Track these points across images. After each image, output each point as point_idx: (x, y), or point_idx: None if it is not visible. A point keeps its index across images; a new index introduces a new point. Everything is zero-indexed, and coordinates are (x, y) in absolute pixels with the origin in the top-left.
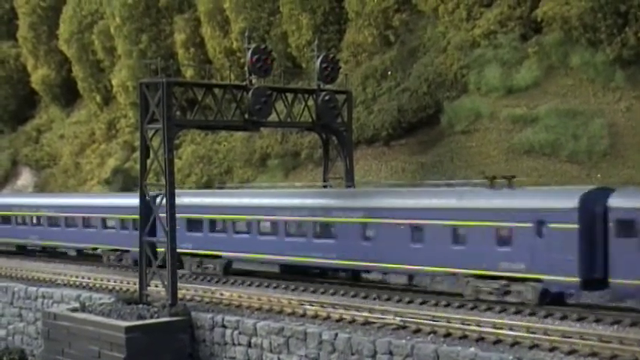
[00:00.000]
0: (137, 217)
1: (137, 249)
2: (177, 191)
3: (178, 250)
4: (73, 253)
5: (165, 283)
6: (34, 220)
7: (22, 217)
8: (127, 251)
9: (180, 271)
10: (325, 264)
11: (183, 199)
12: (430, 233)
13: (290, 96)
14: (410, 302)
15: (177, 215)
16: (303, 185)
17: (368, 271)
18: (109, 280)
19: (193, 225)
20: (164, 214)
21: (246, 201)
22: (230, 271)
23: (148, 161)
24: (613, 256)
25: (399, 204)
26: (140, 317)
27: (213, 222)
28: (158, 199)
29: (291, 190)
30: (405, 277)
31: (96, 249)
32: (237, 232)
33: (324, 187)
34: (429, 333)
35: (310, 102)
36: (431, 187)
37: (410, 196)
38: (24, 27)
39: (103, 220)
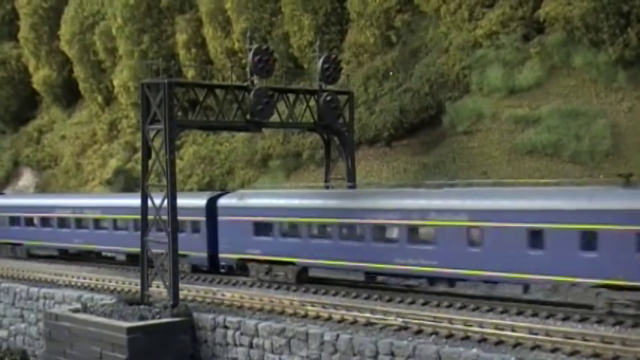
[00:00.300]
0: (196, 218)
1: (197, 253)
2: (241, 192)
3: (244, 256)
4: (122, 257)
5: (167, 283)
6: (78, 223)
7: (64, 220)
8: (184, 256)
9: (245, 279)
10: (421, 272)
11: (248, 201)
12: (552, 238)
13: (292, 96)
14: (412, 303)
15: (244, 218)
16: (392, 185)
17: (466, 280)
18: (110, 281)
19: (262, 229)
20: (227, 217)
21: (326, 202)
22: (304, 279)
23: (150, 162)
24: None
25: (513, 205)
26: (142, 318)
27: (285, 225)
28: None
29: (378, 191)
30: (520, 287)
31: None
32: (315, 237)
33: (326, 187)
34: (431, 334)
35: (312, 102)
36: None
37: (527, 196)
38: (25, 28)
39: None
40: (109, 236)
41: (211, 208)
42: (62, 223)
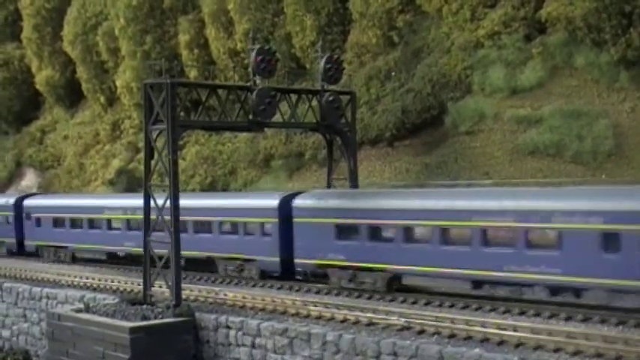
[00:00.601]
0: (267, 220)
1: (267, 258)
2: (318, 191)
3: (325, 262)
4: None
5: (170, 283)
6: (130, 225)
7: (114, 221)
8: (252, 260)
9: (323, 286)
10: (542, 280)
11: (330, 202)
12: None
13: (294, 97)
14: (414, 303)
15: (324, 220)
16: (499, 183)
17: (596, 289)
18: (112, 281)
19: (346, 232)
20: (304, 219)
21: (422, 203)
22: (395, 288)
23: (152, 162)
24: None
25: None
26: (144, 318)
27: (374, 228)
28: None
29: (485, 190)
30: None
31: (209, 257)
32: (411, 241)
33: (328, 187)
34: (433, 334)
35: (314, 103)
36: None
37: None
38: (28, 28)
39: (220, 224)
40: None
41: (285, 209)
42: (112, 224)
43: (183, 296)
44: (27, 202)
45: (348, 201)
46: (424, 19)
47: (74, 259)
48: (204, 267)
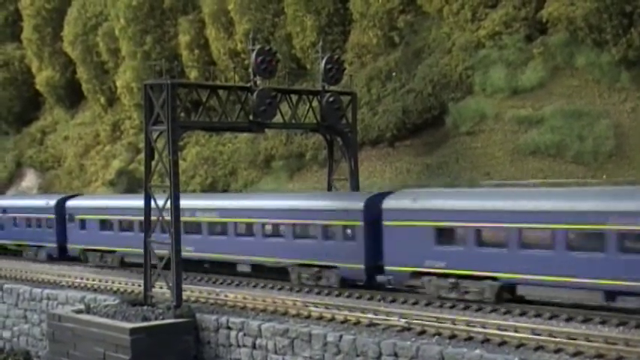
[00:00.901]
0: (350, 223)
1: (351, 265)
2: (410, 191)
3: (421, 269)
4: (246, 268)
5: (170, 284)
6: (190, 228)
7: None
8: (332, 267)
9: (414, 296)
10: None
11: (427, 202)
12: None
13: (294, 97)
14: (415, 304)
15: (421, 223)
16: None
17: None
18: (113, 282)
19: (447, 236)
20: (396, 222)
21: (545, 204)
22: (507, 298)
23: (153, 163)
24: None
25: None
26: (145, 319)
27: (480, 232)
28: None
29: (625, 189)
30: None
31: (280, 264)
32: (527, 247)
33: (329, 188)
34: (434, 334)
35: (315, 103)
36: None
37: None
38: (28, 29)
39: (294, 226)
40: (229, 243)
41: (372, 211)
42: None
43: (184, 297)
44: (70, 204)
45: (450, 201)
46: (425, 19)
47: (122, 265)
48: (276, 274)
